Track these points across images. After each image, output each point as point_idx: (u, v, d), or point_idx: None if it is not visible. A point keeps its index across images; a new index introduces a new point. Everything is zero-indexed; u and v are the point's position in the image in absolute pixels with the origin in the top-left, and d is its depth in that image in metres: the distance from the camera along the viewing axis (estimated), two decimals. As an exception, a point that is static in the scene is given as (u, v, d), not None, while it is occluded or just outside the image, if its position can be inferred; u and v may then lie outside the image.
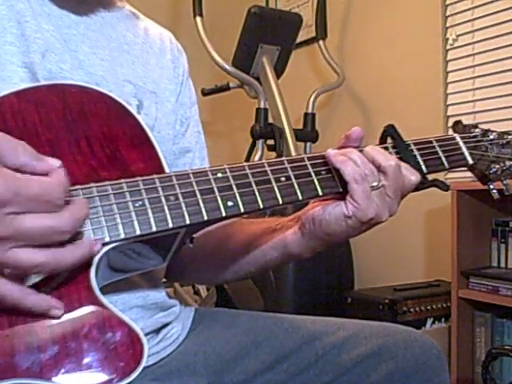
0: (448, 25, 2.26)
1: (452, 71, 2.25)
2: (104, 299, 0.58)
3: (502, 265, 1.94)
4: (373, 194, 0.69)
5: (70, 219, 0.53)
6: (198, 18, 2.42)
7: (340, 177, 0.70)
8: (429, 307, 1.98)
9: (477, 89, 2.17)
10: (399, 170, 0.71)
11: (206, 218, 0.64)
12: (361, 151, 0.72)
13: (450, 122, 2.24)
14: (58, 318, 0.56)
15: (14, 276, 0.53)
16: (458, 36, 2.22)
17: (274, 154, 2.32)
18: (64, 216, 0.53)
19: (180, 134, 0.89)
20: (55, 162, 0.55)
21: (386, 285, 2.21)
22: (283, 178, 0.69)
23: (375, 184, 0.69)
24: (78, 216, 0.55)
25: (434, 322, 1.99)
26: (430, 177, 0.76)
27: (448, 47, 2.26)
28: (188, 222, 0.62)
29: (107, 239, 0.59)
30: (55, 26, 0.75)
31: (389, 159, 0.71)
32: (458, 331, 1.86)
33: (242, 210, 0.66)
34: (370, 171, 0.69)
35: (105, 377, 0.55)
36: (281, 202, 0.68)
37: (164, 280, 0.88)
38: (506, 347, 1.72)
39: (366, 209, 0.68)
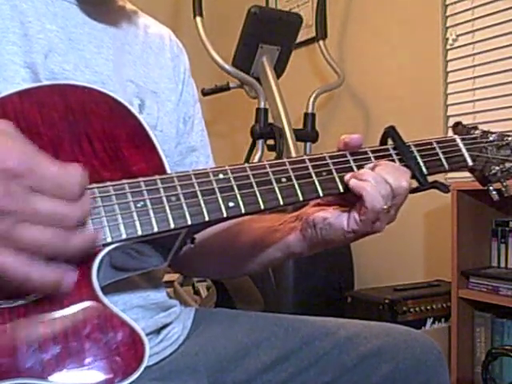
0: (448, 25, 2.26)
1: (452, 71, 2.25)
2: (105, 299, 0.59)
3: (502, 265, 1.94)
4: (379, 214, 0.69)
5: (80, 210, 0.52)
6: (198, 18, 2.42)
7: (341, 178, 0.71)
8: (429, 307, 1.98)
9: (477, 89, 2.17)
10: (408, 190, 0.71)
11: (207, 218, 0.64)
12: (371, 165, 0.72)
13: (450, 121, 2.24)
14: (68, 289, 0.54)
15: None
16: (457, 36, 2.22)
17: (274, 153, 2.33)
18: (75, 206, 0.52)
19: (185, 133, 0.90)
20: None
21: (386, 285, 2.21)
22: (284, 179, 0.69)
23: (385, 207, 0.69)
24: (88, 208, 0.54)
25: (433, 322, 1.99)
26: (431, 178, 0.76)
27: (448, 47, 2.26)
28: (189, 222, 0.63)
29: (109, 239, 0.59)
30: (61, 26, 0.75)
31: (400, 180, 0.70)
32: (457, 331, 1.86)
33: (243, 211, 0.66)
34: (386, 192, 0.69)
35: (106, 377, 0.56)
36: (282, 202, 0.68)
37: (165, 279, 0.89)
38: (506, 347, 1.72)
39: (367, 227, 0.70)
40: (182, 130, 0.89)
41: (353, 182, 0.70)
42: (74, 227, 0.52)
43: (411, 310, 1.94)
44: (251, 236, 0.83)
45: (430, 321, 1.98)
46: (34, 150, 0.51)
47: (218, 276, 0.96)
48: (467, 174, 0.85)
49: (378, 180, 0.69)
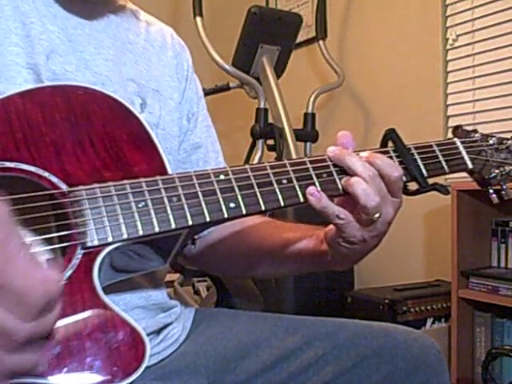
0: (448, 25, 2.26)
1: (452, 71, 2.25)
2: (107, 299, 0.59)
3: (502, 265, 1.94)
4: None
5: (30, 330, 0.46)
6: (198, 18, 2.42)
7: (341, 179, 0.71)
8: (429, 307, 1.98)
9: (477, 89, 2.17)
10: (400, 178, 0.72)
11: (208, 219, 0.64)
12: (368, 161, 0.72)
13: (450, 122, 2.23)
14: None
15: None
16: (458, 36, 2.22)
17: (274, 153, 2.32)
18: (26, 326, 0.46)
19: (189, 130, 0.90)
20: (52, 274, 0.48)
21: (386, 285, 2.21)
22: (285, 181, 0.69)
23: (377, 216, 0.70)
24: (47, 327, 0.48)
25: (434, 322, 1.99)
26: (430, 180, 0.76)
27: (448, 47, 2.26)
28: (190, 222, 0.63)
29: (110, 239, 0.59)
30: (61, 27, 0.75)
31: (392, 169, 0.71)
32: (458, 331, 1.86)
33: (244, 212, 0.66)
34: (373, 174, 0.70)
35: (107, 376, 0.56)
36: (282, 204, 0.68)
37: (167, 280, 0.89)
38: (506, 347, 1.72)
39: (367, 218, 0.70)
40: (186, 128, 0.89)
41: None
42: (19, 344, 0.46)
43: (411, 309, 1.94)
44: (281, 240, 0.84)
45: (429, 321, 1.98)
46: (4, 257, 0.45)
47: (248, 276, 0.98)
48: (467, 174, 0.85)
49: (367, 166, 0.70)
